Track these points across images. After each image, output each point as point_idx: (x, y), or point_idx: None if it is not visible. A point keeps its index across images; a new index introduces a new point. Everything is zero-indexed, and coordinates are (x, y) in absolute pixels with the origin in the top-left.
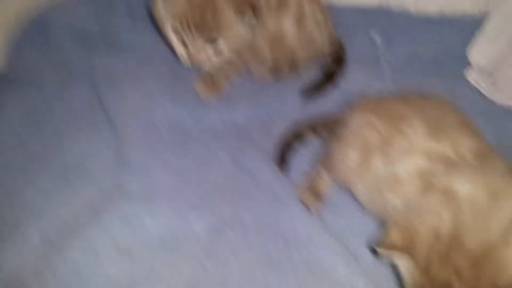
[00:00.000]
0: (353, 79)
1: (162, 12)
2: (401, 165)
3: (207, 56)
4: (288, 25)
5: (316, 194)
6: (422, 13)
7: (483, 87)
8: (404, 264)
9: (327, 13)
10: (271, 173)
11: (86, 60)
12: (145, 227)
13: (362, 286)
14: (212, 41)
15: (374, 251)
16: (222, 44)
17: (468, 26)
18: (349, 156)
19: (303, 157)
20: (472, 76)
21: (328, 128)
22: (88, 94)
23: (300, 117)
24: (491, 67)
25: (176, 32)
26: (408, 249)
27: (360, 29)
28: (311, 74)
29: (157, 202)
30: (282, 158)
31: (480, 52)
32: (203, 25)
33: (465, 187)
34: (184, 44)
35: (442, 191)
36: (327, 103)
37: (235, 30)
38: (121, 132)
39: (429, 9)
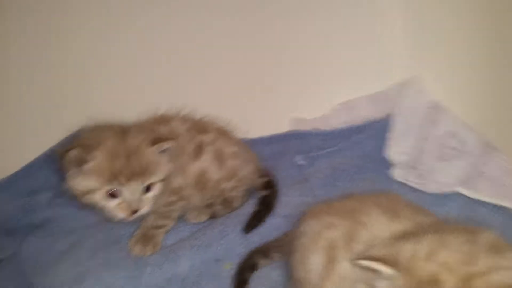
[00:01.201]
0: (287, 203)
1: (85, 183)
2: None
3: (142, 202)
4: (207, 165)
5: None
6: (331, 128)
7: (412, 180)
8: (387, 273)
9: (247, 148)
10: None
11: (11, 245)
12: None
13: None
14: (148, 187)
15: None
16: (157, 185)
17: (378, 131)
18: (313, 262)
19: None
20: (398, 173)
21: (280, 249)
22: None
23: (245, 251)
24: (415, 163)
25: (107, 192)
26: (391, 259)
27: (283, 155)
28: (248, 208)
29: None
30: None
31: (397, 150)
32: (139, 170)
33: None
34: (115, 196)
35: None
36: (268, 230)
37: (162, 165)
38: None
39: (337, 123)
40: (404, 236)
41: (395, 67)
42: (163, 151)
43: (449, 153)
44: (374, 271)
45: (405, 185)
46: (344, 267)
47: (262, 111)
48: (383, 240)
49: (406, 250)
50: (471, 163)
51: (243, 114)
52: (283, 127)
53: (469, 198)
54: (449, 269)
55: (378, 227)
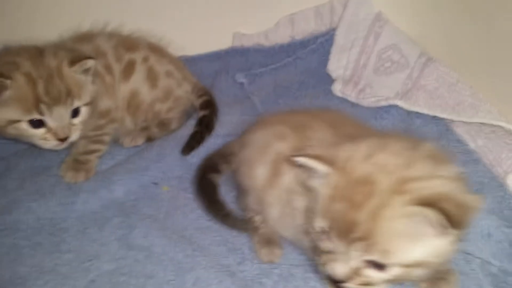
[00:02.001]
0: (228, 122)
1: (4, 115)
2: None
3: (71, 128)
4: (139, 86)
5: (269, 241)
6: (275, 44)
7: (351, 95)
8: (322, 171)
9: (183, 66)
10: (168, 243)
11: None
12: None
13: None
14: (75, 110)
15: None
16: (83, 109)
17: (322, 45)
18: (259, 173)
19: None
20: (338, 88)
21: (226, 160)
22: None
23: (183, 173)
24: (355, 77)
25: (30, 122)
26: (328, 158)
27: (223, 73)
28: (187, 128)
29: None
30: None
31: (339, 65)
32: (61, 94)
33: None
34: (41, 125)
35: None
36: (208, 151)
37: (85, 87)
38: None
39: (280, 39)
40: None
41: None
42: (85, 71)
43: (389, 67)
44: (310, 170)
45: (345, 100)
46: (287, 179)
47: (201, 26)
48: (322, 141)
49: (344, 150)
50: (410, 76)
51: (178, 29)
52: (224, 44)
53: (406, 110)
54: (385, 171)
55: (324, 141)
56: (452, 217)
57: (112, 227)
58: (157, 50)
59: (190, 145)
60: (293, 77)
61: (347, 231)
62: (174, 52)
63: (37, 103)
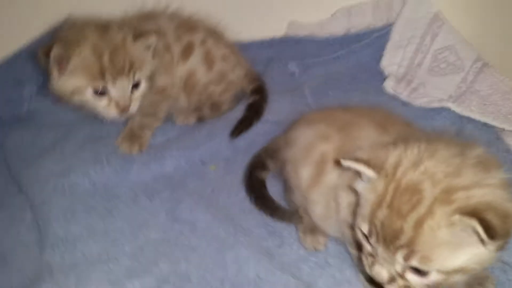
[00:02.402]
0: (277, 109)
1: (70, 82)
2: None
3: (131, 99)
4: (196, 67)
5: (314, 229)
6: (329, 36)
7: (403, 93)
8: (368, 175)
9: (238, 51)
10: (212, 219)
11: None
12: None
13: None
14: (136, 83)
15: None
16: (143, 83)
17: (377, 40)
18: (304, 172)
19: None
20: (391, 86)
21: (272, 156)
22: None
23: (231, 155)
24: (409, 75)
25: (94, 90)
26: (374, 162)
27: (275, 61)
28: (237, 112)
29: (89, 276)
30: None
31: (393, 61)
32: (125, 66)
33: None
34: (104, 94)
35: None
36: (256, 135)
37: (147, 61)
38: (40, 207)
39: (335, 30)
40: (395, 143)
41: None
42: (147, 47)
43: (444, 68)
44: (357, 173)
45: (396, 98)
46: (331, 177)
47: (257, 12)
48: (373, 145)
49: (394, 156)
50: (465, 80)
51: (236, 14)
52: (279, 31)
53: (457, 114)
54: (433, 180)
55: (370, 140)
56: (493, 229)
57: (161, 199)
58: (215, 33)
59: (239, 129)
60: (345, 70)
61: (392, 239)
62: (230, 37)
63: (102, 72)
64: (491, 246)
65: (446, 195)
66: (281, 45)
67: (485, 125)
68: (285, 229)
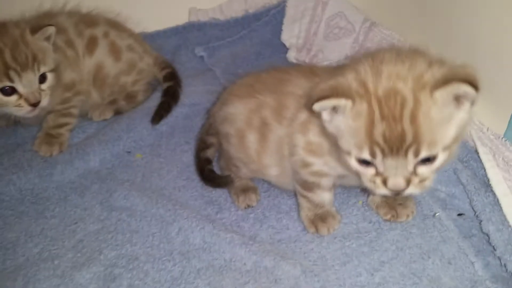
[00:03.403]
0: (192, 92)
1: None
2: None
3: (41, 93)
4: (103, 60)
5: (246, 189)
6: (230, 18)
7: (305, 61)
8: (345, 106)
9: (142, 41)
10: (148, 201)
11: None
12: None
13: (268, 270)
14: (42, 76)
15: (310, 110)
16: (50, 75)
17: (274, 17)
18: (249, 141)
19: None
20: (293, 55)
21: (213, 134)
22: None
23: (155, 141)
24: (308, 44)
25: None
26: (341, 92)
27: (182, 47)
28: (153, 101)
29: (36, 275)
30: (214, 180)
31: (291, 34)
32: (28, 60)
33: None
34: (13, 92)
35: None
36: (176, 119)
37: (49, 53)
38: None
39: (235, 13)
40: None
41: None
42: (47, 39)
43: (337, 33)
44: (328, 112)
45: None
46: (276, 133)
47: (157, 2)
48: (302, 88)
49: (352, 79)
50: (356, 40)
51: (136, 6)
52: (181, 19)
53: None
54: (400, 77)
55: (304, 90)
56: (474, 80)
57: (92, 193)
58: (116, 25)
59: (159, 114)
60: (249, 48)
61: (399, 144)
62: (134, 29)
63: (6, 71)
64: (467, 106)
65: (418, 83)
66: (185, 31)
67: None
68: (220, 197)
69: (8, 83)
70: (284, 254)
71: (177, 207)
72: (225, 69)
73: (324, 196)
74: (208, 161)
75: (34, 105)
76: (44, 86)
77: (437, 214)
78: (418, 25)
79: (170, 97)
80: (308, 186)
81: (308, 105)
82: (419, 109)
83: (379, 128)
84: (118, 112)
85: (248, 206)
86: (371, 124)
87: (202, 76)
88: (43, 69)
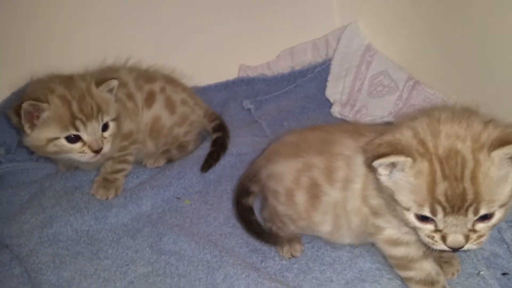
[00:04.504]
0: (240, 142)
1: (45, 133)
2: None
3: (103, 140)
4: (160, 113)
5: (290, 239)
6: (277, 74)
7: (348, 116)
8: (405, 163)
9: (194, 94)
10: (196, 246)
11: None
12: None
13: None
14: (105, 125)
15: (370, 166)
16: (112, 124)
17: (320, 74)
18: (298, 199)
19: None
20: (337, 110)
21: (255, 182)
22: None
23: (203, 188)
24: (351, 100)
25: (68, 137)
26: (401, 149)
27: (231, 101)
28: (202, 150)
29: None
30: (260, 234)
31: (335, 90)
32: (93, 111)
33: None
34: (78, 140)
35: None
36: (224, 168)
37: (111, 104)
38: (28, 259)
39: (281, 70)
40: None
41: (333, 14)
42: (110, 91)
43: (381, 90)
44: (386, 169)
45: (343, 120)
46: (331, 196)
47: (210, 59)
48: (350, 148)
49: (410, 137)
50: (401, 97)
51: (190, 63)
52: (231, 75)
53: None
54: (460, 138)
55: (351, 151)
56: None
57: (143, 236)
58: (171, 81)
59: (208, 163)
60: (294, 102)
61: (461, 203)
62: (186, 83)
63: (72, 120)
64: None
65: (477, 143)
66: (235, 86)
67: None
68: (265, 245)
69: (73, 132)
70: None
71: (223, 253)
72: (271, 121)
73: (425, 267)
74: (251, 211)
75: (97, 151)
76: (106, 134)
77: (481, 273)
78: (461, 84)
79: (219, 147)
80: (400, 264)
81: (368, 162)
82: (478, 169)
83: (441, 187)
84: (170, 160)
85: (293, 256)
86: (433, 183)
87: (249, 127)
88: (106, 119)
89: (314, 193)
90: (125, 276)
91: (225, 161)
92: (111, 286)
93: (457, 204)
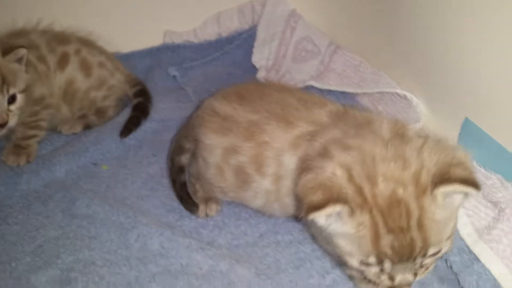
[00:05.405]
0: (163, 108)
1: None
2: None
3: (8, 114)
4: (74, 75)
5: (208, 199)
6: (204, 41)
7: (273, 81)
8: (342, 211)
9: (114, 58)
10: (110, 209)
11: None
12: None
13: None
14: (12, 97)
15: (299, 220)
16: (19, 96)
17: (246, 41)
18: (228, 178)
19: None
20: (262, 75)
21: (189, 137)
22: None
23: (122, 153)
24: (276, 66)
25: None
26: (336, 196)
27: (156, 68)
28: (123, 117)
29: None
30: (183, 197)
31: (261, 56)
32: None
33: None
34: None
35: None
36: (145, 134)
37: (19, 75)
38: None
39: (208, 36)
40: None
41: None
42: (19, 60)
43: (304, 55)
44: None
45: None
46: (261, 187)
47: (133, 25)
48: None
49: (342, 178)
50: (322, 61)
51: (112, 28)
52: (156, 41)
53: (320, 89)
54: (397, 182)
55: (279, 142)
56: (469, 179)
57: (55, 201)
58: (87, 43)
59: (128, 128)
60: (221, 69)
61: (409, 253)
62: (107, 49)
63: None
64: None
65: (416, 186)
66: (160, 53)
67: (342, 93)
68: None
69: None
70: (239, 258)
71: (138, 214)
72: (197, 88)
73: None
74: (181, 170)
75: (1, 125)
76: (12, 107)
77: None
78: (379, 47)
79: (140, 111)
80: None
81: (300, 212)
82: (425, 216)
83: (386, 240)
84: (87, 127)
85: (207, 215)
86: (376, 236)
87: (173, 94)
88: (12, 91)
89: (243, 179)
90: (34, 240)
91: (146, 126)
92: (18, 250)
93: (406, 255)
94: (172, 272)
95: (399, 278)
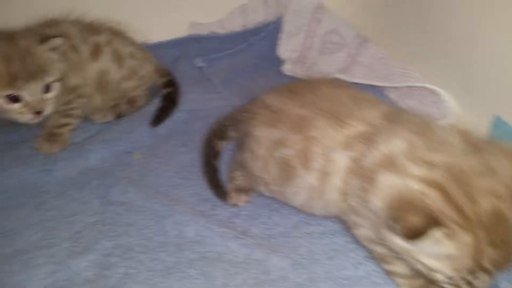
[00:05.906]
0: (191, 99)
1: None
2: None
3: (44, 102)
4: (107, 66)
5: (240, 190)
6: (229, 32)
7: (299, 73)
8: (442, 236)
9: (145, 50)
10: (145, 197)
11: None
12: None
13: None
14: (48, 86)
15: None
16: (55, 85)
17: (272, 32)
18: (272, 171)
19: None
20: (288, 68)
21: (235, 127)
22: None
23: (153, 143)
24: (302, 58)
25: (7, 97)
26: (434, 219)
27: (182, 58)
28: (152, 106)
29: (33, 261)
30: (214, 182)
31: (287, 48)
32: (35, 71)
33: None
34: (17, 100)
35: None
36: (175, 123)
37: (55, 64)
38: None
39: (233, 27)
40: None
41: None
42: (54, 49)
43: (331, 47)
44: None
45: (294, 78)
46: (307, 181)
47: (160, 16)
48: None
49: (435, 198)
50: (349, 54)
51: (138, 19)
52: (182, 33)
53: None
54: (496, 195)
55: (329, 139)
56: None
57: (91, 188)
58: (118, 33)
59: (159, 118)
60: (247, 61)
61: (507, 264)
62: (135, 38)
63: (13, 80)
64: None
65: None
66: (185, 44)
67: (371, 86)
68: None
69: (13, 91)
70: (274, 247)
71: (173, 202)
72: (224, 78)
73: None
74: (217, 155)
75: (37, 113)
76: (48, 95)
77: None
78: (407, 41)
79: (169, 102)
80: (380, 257)
81: (399, 233)
82: None
83: (488, 255)
84: (119, 116)
85: (235, 205)
86: (479, 253)
87: (200, 84)
88: (48, 79)
89: (288, 174)
90: (71, 226)
91: (176, 116)
92: (56, 235)
93: (504, 265)
94: (209, 259)
95: (480, 283)
